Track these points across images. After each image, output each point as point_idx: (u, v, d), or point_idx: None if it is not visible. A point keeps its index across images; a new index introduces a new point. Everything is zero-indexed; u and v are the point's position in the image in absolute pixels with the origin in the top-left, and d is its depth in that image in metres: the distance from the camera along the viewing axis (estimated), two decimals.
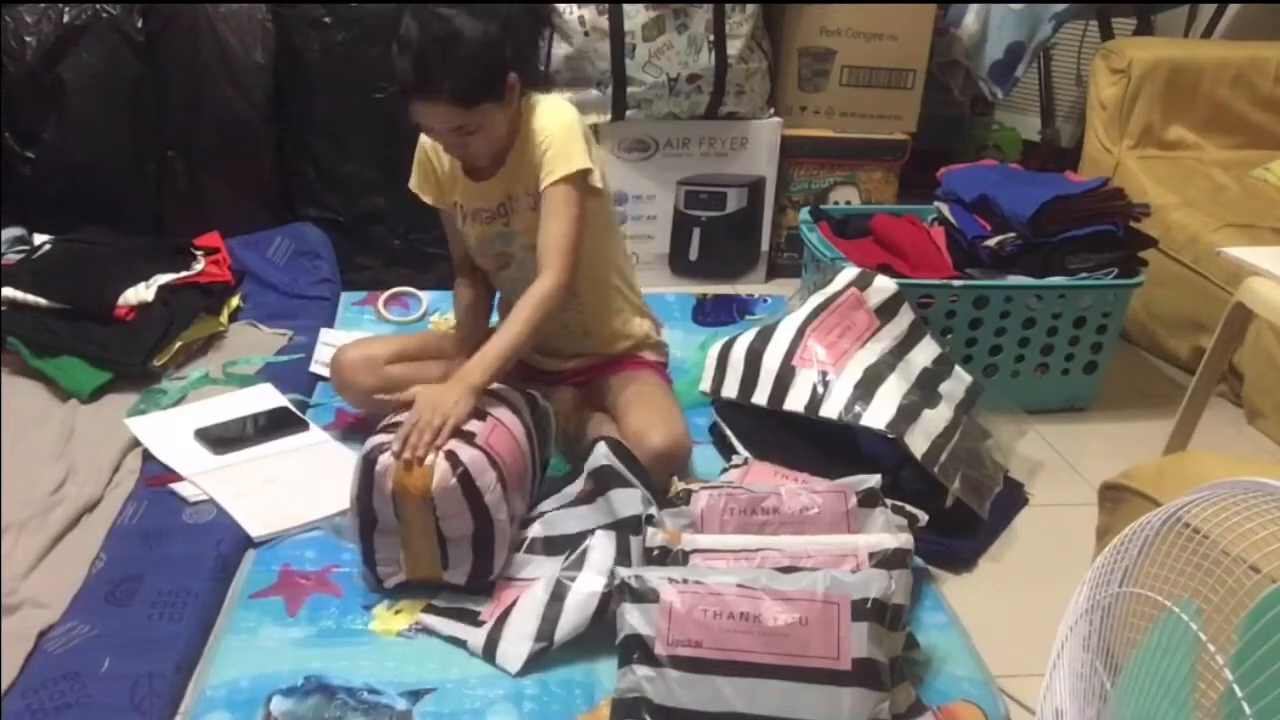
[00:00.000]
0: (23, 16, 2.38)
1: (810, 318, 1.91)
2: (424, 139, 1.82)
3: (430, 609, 1.53)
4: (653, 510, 1.49)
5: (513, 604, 1.50)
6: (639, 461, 1.65)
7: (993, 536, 1.82)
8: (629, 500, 1.55)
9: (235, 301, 2.38)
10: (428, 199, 1.88)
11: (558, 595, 1.47)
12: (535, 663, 1.43)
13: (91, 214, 2.44)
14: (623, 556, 1.48)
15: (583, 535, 1.56)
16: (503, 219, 1.80)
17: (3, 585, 1.49)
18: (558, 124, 1.71)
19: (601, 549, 1.50)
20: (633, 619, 1.33)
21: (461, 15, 1.60)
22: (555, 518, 1.63)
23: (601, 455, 1.61)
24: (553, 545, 1.60)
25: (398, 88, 1.65)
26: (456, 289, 1.95)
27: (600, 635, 1.43)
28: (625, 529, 1.51)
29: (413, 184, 1.88)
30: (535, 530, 1.63)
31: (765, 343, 1.89)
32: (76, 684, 1.35)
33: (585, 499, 1.61)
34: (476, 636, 1.46)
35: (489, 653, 1.44)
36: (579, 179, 1.69)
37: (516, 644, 1.43)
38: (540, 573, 1.55)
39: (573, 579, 1.48)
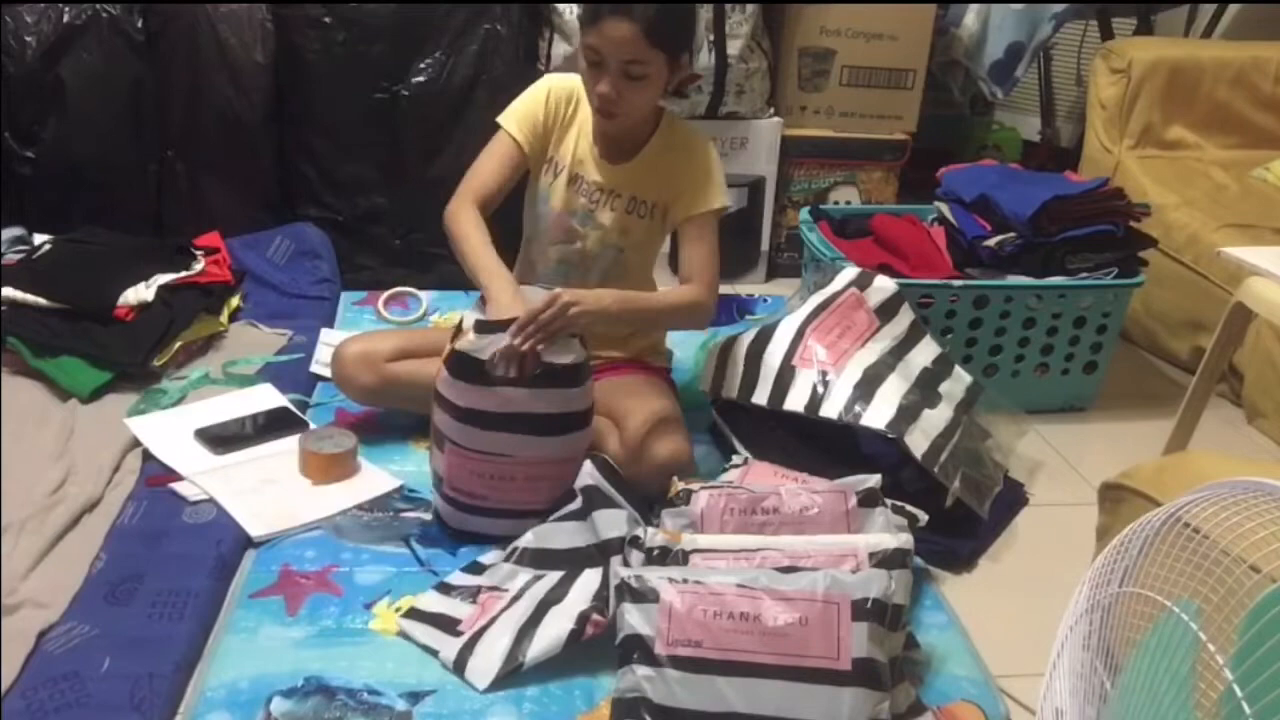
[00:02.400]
0: (23, 16, 2.38)
1: (810, 318, 1.91)
2: (565, 80, 1.83)
3: (413, 613, 1.53)
4: (638, 531, 1.48)
5: (491, 620, 1.49)
6: (625, 481, 1.64)
7: (993, 536, 1.82)
8: (614, 522, 1.54)
9: (235, 301, 2.38)
10: (516, 131, 1.81)
11: (534, 620, 1.46)
12: (504, 681, 1.41)
13: (91, 214, 2.44)
14: (604, 587, 1.46)
15: (569, 554, 1.56)
16: (595, 203, 1.83)
17: (3, 585, 1.49)
18: (715, 159, 1.83)
19: (586, 585, 1.49)
20: (633, 619, 1.33)
21: None
22: (545, 530, 1.62)
23: (587, 474, 1.60)
24: (540, 559, 1.59)
25: (582, 17, 1.69)
26: (463, 219, 1.76)
27: (599, 636, 1.43)
28: (609, 553, 1.50)
29: (507, 115, 1.83)
30: (526, 540, 1.62)
31: (765, 343, 1.89)
32: (76, 684, 1.35)
33: (574, 515, 1.60)
34: (449, 649, 1.45)
35: (459, 667, 1.43)
36: (718, 213, 1.82)
37: (487, 661, 1.42)
38: (524, 586, 1.54)
39: (552, 606, 1.47)
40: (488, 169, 1.82)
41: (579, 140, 1.83)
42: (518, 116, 1.83)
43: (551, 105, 1.83)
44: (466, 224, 1.75)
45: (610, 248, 1.86)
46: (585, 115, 1.82)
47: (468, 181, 1.81)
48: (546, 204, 1.87)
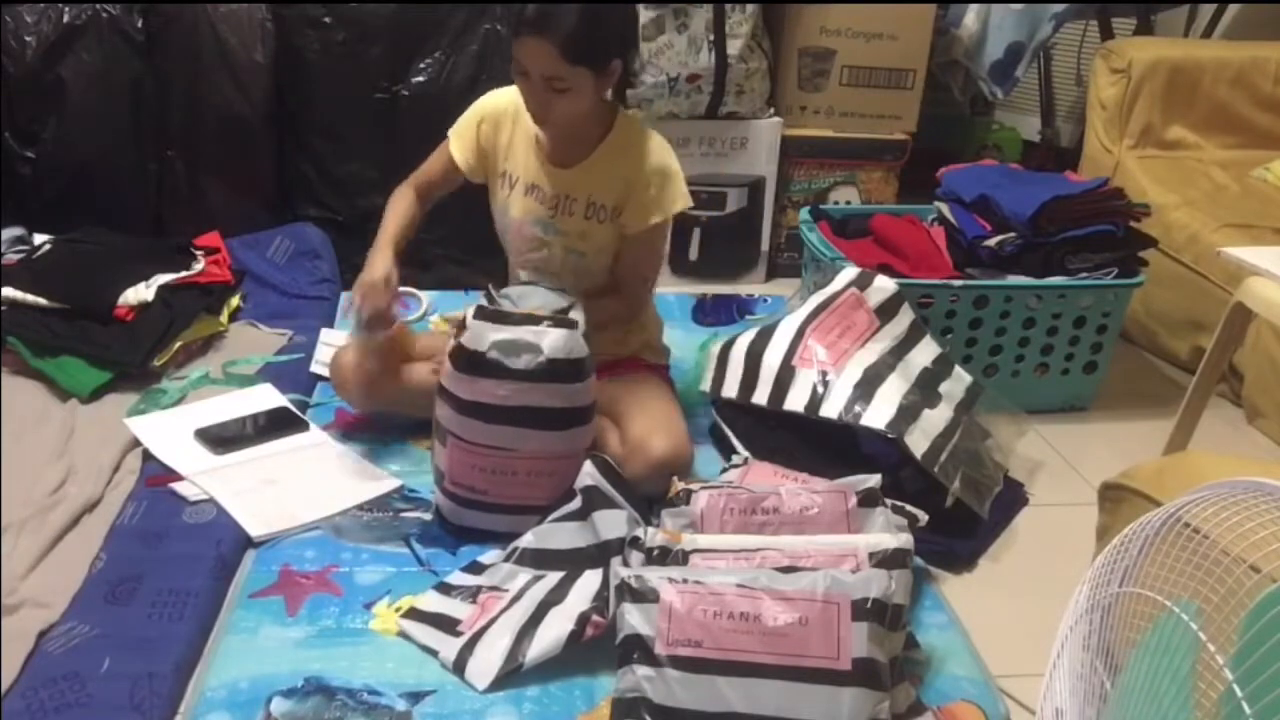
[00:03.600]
0: (23, 16, 2.38)
1: (810, 318, 1.91)
2: (499, 100, 1.85)
3: (413, 613, 1.53)
4: (639, 532, 1.48)
5: (491, 621, 1.49)
6: (625, 480, 1.64)
7: (993, 536, 1.82)
8: (614, 522, 1.54)
9: (235, 301, 2.38)
10: (455, 150, 1.87)
11: (535, 620, 1.46)
12: (504, 681, 1.41)
13: (91, 214, 2.43)
14: (604, 588, 1.46)
15: (570, 554, 1.56)
16: (552, 210, 1.82)
17: (3, 585, 1.49)
18: (670, 166, 1.81)
19: (586, 586, 1.50)
20: (633, 619, 1.33)
21: None
22: (545, 531, 1.62)
23: (587, 475, 1.60)
24: (540, 559, 1.59)
25: (510, 20, 1.70)
26: (398, 196, 1.89)
27: (599, 637, 1.43)
28: (609, 553, 1.50)
29: (454, 129, 1.88)
30: (526, 541, 1.62)
31: (765, 343, 1.89)
32: (76, 684, 1.35)
33: (575, 516, 1.60)
34: (449, 649, 1.45)
35: (459, 667, 1.43)
36: (666, 223, 1.84)
37: (487, 661, 1.42)
38: (524, 587, 1.55)
39: (552, 607, 1.47)
40: (432, 167, 1.91)
41: (528, 150, 1.83)
42: (458, 134, 1.88)
43: (485, 131, 1.86)
44: (395, 202, 1.88)
45: (573, 253, 1.85)
46: (531, 124, 1.79)
47: (417, 170, 1.91)
48: (507, 215, 1.87)
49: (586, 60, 1.63)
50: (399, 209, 1.86)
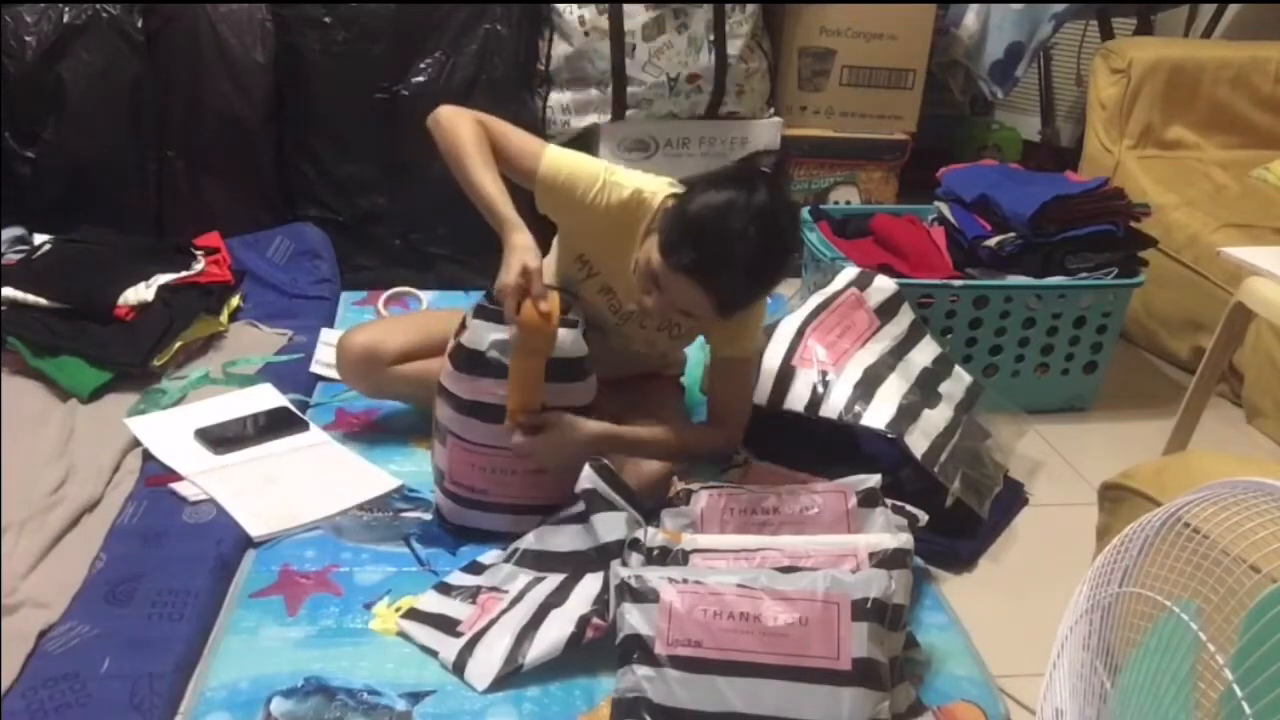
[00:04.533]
0: (23, 16, 2.37)
1: (810, 318, 1.91)
2: (621, 193, 1.61)
3: (412, 613, 1.53)
4: (638, 533, 1.48)
5: (491, 621, 1.49)
6: (624, 484, 1.63)
7: (993, 536, 1.82)
8: (613, 525, 1.53)
9: (235, 301, 2.38)
10: (545, 199, 1.64)
11: (535, 622, 1.46)
12: (504, 681, 1.41)
13: (91, 214, 2.43)
14: (605, 591, 1.46)
15: (569, 556, 1.56)
16: (624, 320, 1.76)
17: (3, 585, 1.49)
18: (763, 305, 1.72)
19: (587, 589, 1.49)
20: (633, 619, 1.33)
21: (787, 218, 1.52)
22: (546, 532, 1.62)
23: (586, 479, 1.59)
24: (540, 561, 1.59)
25: (661, 236, 1.49)
26: (480, 142, 1.59)
27: (598, 640, 1.43)
28: (609, 556, 1.50)
29: (557, 156, 1.62)
30: (527, 542, 1.62)
31: (765, 343, 1.89)
32: (76, 684, 1.35)
33: (575, 519, 1.60)
34: (449, 650, 1.45)
35: (459, 668, 1.43)
36: (750, 360, 1.76)
37: (487, 663, 1.42)
38: (524, 588, 1.55)
39: (552, 609, 1.47)
40: (512, 148, 1.63)
41: (620, 262, 1.66)
42: (555, 171, 1.62)
43: (593, 218, 1.63)
44: (472, 139, 1.58)
45: (628, 352, 1.81)
46: (636, 241, 1.62)
47: (490, 120, 1.64)
48: (582, 296, 1.74)
49: (729, 313, 1.55)
50: (484, 158, 1.57)
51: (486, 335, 1.59)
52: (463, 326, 1.62)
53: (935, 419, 1.83)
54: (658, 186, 1.64)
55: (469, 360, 1.60)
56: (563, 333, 1.59)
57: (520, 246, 1.52)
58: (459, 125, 1.59)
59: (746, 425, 1.78)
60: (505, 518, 1.68)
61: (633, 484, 1.68)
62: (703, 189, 1.50)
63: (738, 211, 1.45)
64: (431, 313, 2.35)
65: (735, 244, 1.45)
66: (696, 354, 2.26)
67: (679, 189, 1.58)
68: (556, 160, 1.62)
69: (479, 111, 1.64)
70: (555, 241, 1.79)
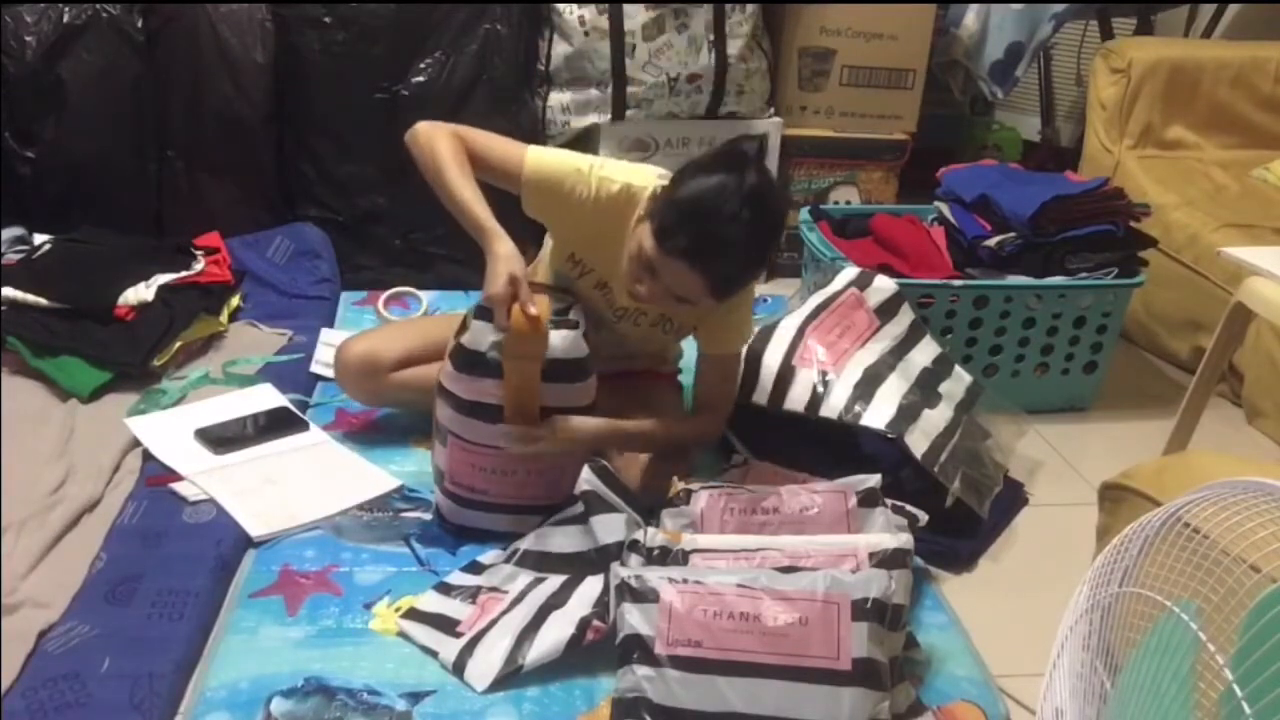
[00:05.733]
0: (23, 16, 2.37)
1: (810, 318, 1.91)
2: (610, 184, 1.61)
3: (412, 613, 1.53)
4: (638, 535, 1.48)
5: (492, 622, 1.49)
6: (624, 485, 1.63)
7: (993, 536, 1.82)
8: (613, 527, 1.53)
9: (235, 301, 2.38)
10: (532, 200, 1.64)
11: (535, 624, 1.46)
12: (504, 682, 1.41)
13: (91, 214, 2.43)
14: (605, 593, 1.46)
15: (570, 557, 1.57)
16: (619, 317, 1.77)
17: (3, 585, 1.49)
18: (750, 296, 1.74)
19: (587, 591, 1.50)
20: (633, 619, 1.33)
21: (778, 200, 1.57)
22: (546, 533, 1.62)
23: (585, 480, 1.59)
24: (540, 562, 1.59)
25: (654, 221, 1.50)
26: (456, 154, 1.60)
27: (598, 642, 1.43)
28: (609, 558, 1.50)
29: (539, 155, 1.62)
30: (527, 543, 1.62)
31: (765, 343, 1.89)
32: (76, 684, 1.35)
33: (575, 519, 1.60)
34: (449, 650, 1.45)
35: (459, 668, 1.43)
36: (739, 354, 1.79)
37: (486, 664, 1.42)
38: (524, 590, 1.55)
39: (553, 610, 1.47)
40: (494, 154, 1.64)
41: (613, 257, 1.65)
42: (539, 170, 1.62)
43: (584, 212, 1.63)
44: (449, 152, 1.59)
45: (621, 347, 1.82)
46: (627, 234, 1.61)
47: (460, 126, 1.65)
48: (575, 289, 1.74)
49: (724, 296, 1.56)
50: (463, 171, 1.58)
51: (487, 336, 1.59)
52: (463, 327, 1.62)
53: (935, 419, 1.83)
54: (646, 179, 1.65)
55: (469, 360, 1.60)
56: (562, 334, 1.59)
57: (504, 255, 1.55)
58: (436, 140, 1.61)
59: (728, 415, 1.81)
60: (505, 517, 1.68)
61: (632, 483, 1.68)
62: (692, 174, 1.52)
63: (729, 194, 1.47)
64: (429, 319, 2.35)
65: (728, 226, 1.47)
66: (695, 351, 2.26)
67: (667, 179, 1.60)
68: (540, 161, 1.63)
69: (459, 124, 1.66)
70: (547, 240, 1.80)
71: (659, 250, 1.51)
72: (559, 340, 1.59)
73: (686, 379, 2.11)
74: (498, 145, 1.65)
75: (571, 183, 1.62)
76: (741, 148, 1.52)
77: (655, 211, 1.53)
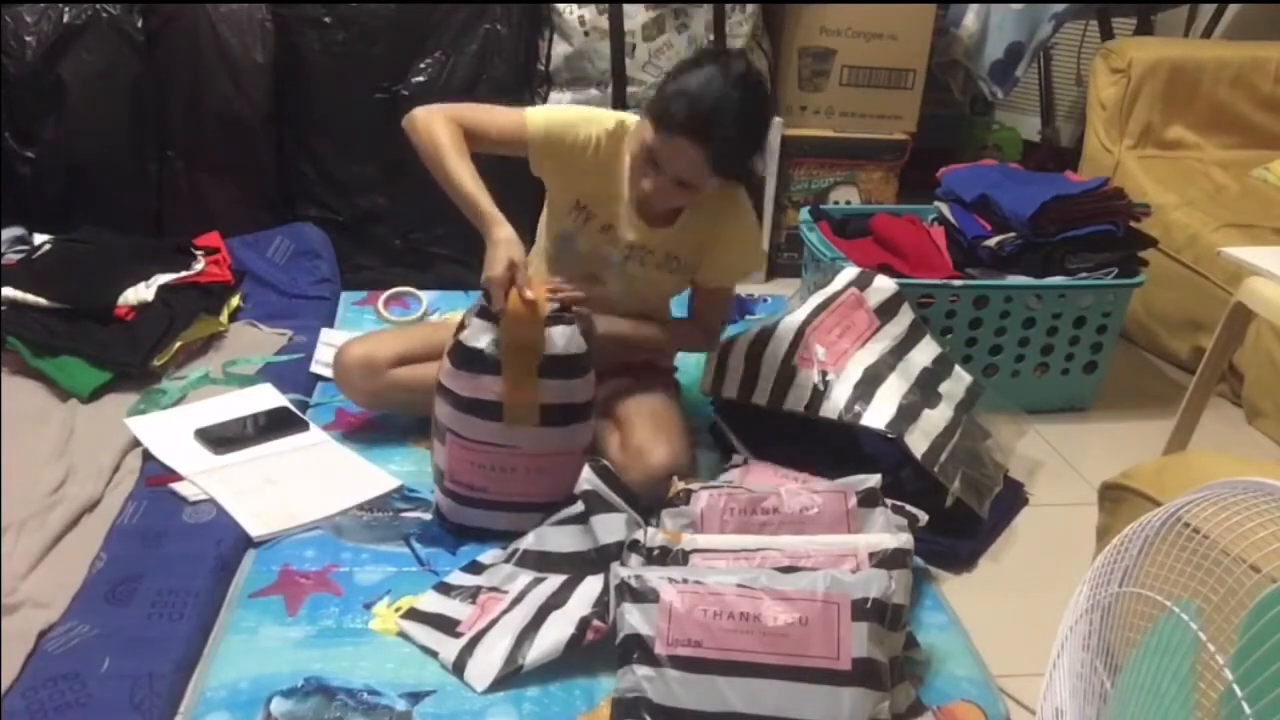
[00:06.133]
0: (23, 16, 2.38)
1: (810, 318, 1.91)
2: (603, 123, 1.72)
3: (412, 613, 1.53)
4: (638, 535, 1.48)
5: (492, 622, 1.49)
6: (624, 485, 1.64)
7: (993, 536, 1.82)
8: (613, 527, 1.54)
9: (235, 301, 2.38)
10: (542, 158, 1.71)
11: (535, 624, 1.46)
12: (504, 682, 1.41)
13: (91, 214, 2.44)
14: (605, 593, 1.46)
15: (570, 557, 1.57)
16: (625, 256, 1.80)
17: (3, 585, 1.49)
18: (753, 225, 1.87)
19: (587, 591, 1.50)
20: (633, 619, 1.33)
21: (764, 85, 1.67)
22: (547, 533, 1.63)
23: (585, 480, 1.59)
24: (540, 562, 1.59)
25: (652, 113, 1.61)
26: (453, 136, 1.65)
27: (598, 642, 1.43)
28: (609, 558, 1.50)
29: (537, 114, 1.71)
30: (528, 542, 1.62)
31: (765, 343, 1.89)
32: (76, 684, 1.35)
33: (574, 519, 1.60)
34: (449, 650, 1.45)
35: (459, 668, 1.43)
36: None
37: (486, 664, 1.42)
38: (524, 590, 1.55)
39: (553, 610, 1.47)
40: (494, 125, 1.70)
41: (615, 194, 1.76)
42: (547, 127, 1.70)
43: (588, 155, 1.72)
44: (448, 139, 1.63)
45: (632, 294, 1.85)
46: (625, 167, 1.73)
47: (457, 106, 1.69)
48: (572, 243, 1.81)
49: (728, 171, 1.65)
50: (461, 156, 1.63)
51: (486, 334, 1.59)
52: (462, 326, 1.63)
53: (935, 419, 1.83)
54: (632, 117, 1.76)
55: (467, 357, 1.60)
56: (560, 330, 1.59)
57: (504, 240, 1.58)
58: (434, 125, 1.66)
59: (721, 334, 1.93)
60: (505, 515, 1.68)
61: (636, 477, 1.69)
62: (683, 69, 1.62)
63: (719, 78, 1.58)
64: (429, 324, 2.36)
65: (722, 99, 1.57)
66: (695, 356, 2.26)
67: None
68: (540, 117, 1.72)
69: (452, 103, 1.71)
70: (544, 215, 1.85)
71: (659, 135, 1.59)
72: (558, 336, 1.59)
73: (683, 378, 2.12)
74: (497, 116, 1.72)
75: (575, 129, 1.72)
76: (725, 48, 1.58)
77: (653, 102, 1.63)
